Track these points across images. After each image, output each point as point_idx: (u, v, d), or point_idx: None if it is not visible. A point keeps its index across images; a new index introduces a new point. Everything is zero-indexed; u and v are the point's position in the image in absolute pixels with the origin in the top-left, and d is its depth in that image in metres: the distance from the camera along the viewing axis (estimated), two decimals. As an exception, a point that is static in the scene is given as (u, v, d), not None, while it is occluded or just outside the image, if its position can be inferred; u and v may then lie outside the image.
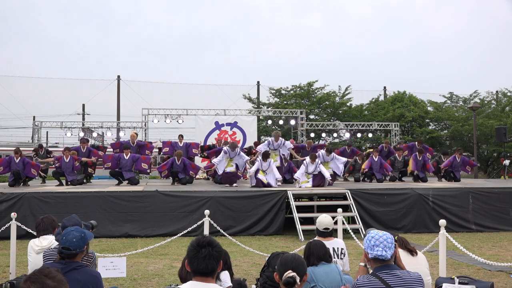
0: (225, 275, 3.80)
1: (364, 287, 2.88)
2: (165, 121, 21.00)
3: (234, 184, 12.16)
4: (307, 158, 12.25)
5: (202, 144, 17.65)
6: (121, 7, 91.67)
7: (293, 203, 10.45)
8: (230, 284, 3.81)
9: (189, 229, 7.84)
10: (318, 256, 4.11)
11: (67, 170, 12.83)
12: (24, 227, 7.20)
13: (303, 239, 9.55)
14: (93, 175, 15.49)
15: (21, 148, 13.72)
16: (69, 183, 12.88)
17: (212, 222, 7.39)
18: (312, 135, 23.54)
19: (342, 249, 4.94)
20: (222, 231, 7.84)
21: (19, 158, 12.81)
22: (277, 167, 12.66)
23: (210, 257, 2.59)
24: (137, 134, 15.90)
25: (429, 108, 31.00)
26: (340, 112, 29.21)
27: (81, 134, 20.58)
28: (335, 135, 29.66)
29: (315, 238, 4.67)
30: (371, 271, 3.04)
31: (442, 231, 5.65)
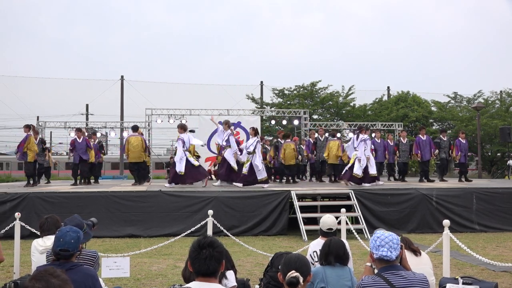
0: (230, 275, 3.80)
1: (368, 287, 2.87)
2: (168, 121, 20.98)
3: (234, 183, 12.08)
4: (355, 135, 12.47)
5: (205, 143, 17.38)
6: (121, 7, 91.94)
7: (296, 203, 10.44)
8: (235, 283, 3.80)
9: (193, 229, 7.82)
10: (337, 256, 3.96)
11: (80, 150, 13.19)
12: (28, 227, 7.20)
13: (306, 239, 9.53)
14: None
15: None
16: (80, 166, 13.24)
17: (216, 222, 7.38)
18: (316, 135, 23.50)
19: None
20: (226, 231, 7.83)
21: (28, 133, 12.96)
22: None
23: (211, 258, 2.57)
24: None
25: (433, 108, 30.95)
26: (344, 112, 29.18)
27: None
28: (338, 135, 29.66)
29: (334, 237, 4.46)
30: (376, 271, 3.02)
31: (446, 231, 5.62)
